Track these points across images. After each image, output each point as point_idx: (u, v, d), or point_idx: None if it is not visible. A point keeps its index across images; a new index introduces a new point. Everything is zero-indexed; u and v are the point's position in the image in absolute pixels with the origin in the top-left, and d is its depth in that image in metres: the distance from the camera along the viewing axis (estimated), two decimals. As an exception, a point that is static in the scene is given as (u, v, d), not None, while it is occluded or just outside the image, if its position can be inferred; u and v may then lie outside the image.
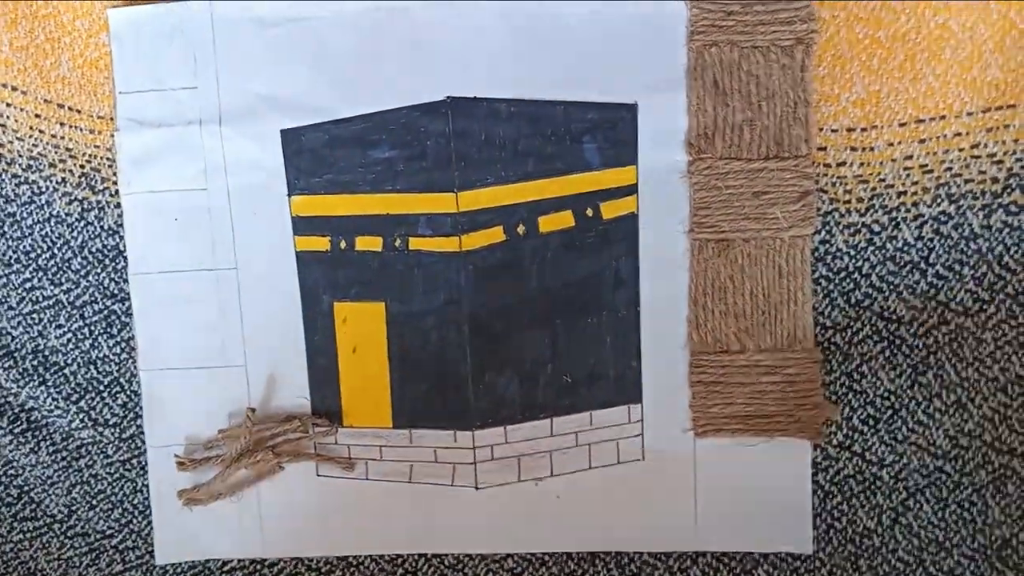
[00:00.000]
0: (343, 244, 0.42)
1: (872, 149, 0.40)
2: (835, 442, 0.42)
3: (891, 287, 0.41)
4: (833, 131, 0.41)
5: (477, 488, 0.43)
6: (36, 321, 0.45)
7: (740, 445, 0.42)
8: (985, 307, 0.41)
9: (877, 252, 0.41)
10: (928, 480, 0.42)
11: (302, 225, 0.42)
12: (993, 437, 0.41)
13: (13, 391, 0.46)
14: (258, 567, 0.45)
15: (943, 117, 0.40)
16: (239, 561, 0.45)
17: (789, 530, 0.42)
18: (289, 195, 0.42)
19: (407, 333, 0.43)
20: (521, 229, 0.42)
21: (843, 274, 0.41)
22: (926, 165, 0.40)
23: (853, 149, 0.41)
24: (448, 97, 0.41)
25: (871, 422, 0.42)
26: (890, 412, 0.42)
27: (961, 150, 0.40)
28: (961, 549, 0.42)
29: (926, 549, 0.42)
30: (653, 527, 0.43)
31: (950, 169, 0.40)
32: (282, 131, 0.42)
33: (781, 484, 0.42)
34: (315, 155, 0.42)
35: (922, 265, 0.41)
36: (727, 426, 0.42)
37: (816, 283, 0.41)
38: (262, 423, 0.43)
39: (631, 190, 0.41)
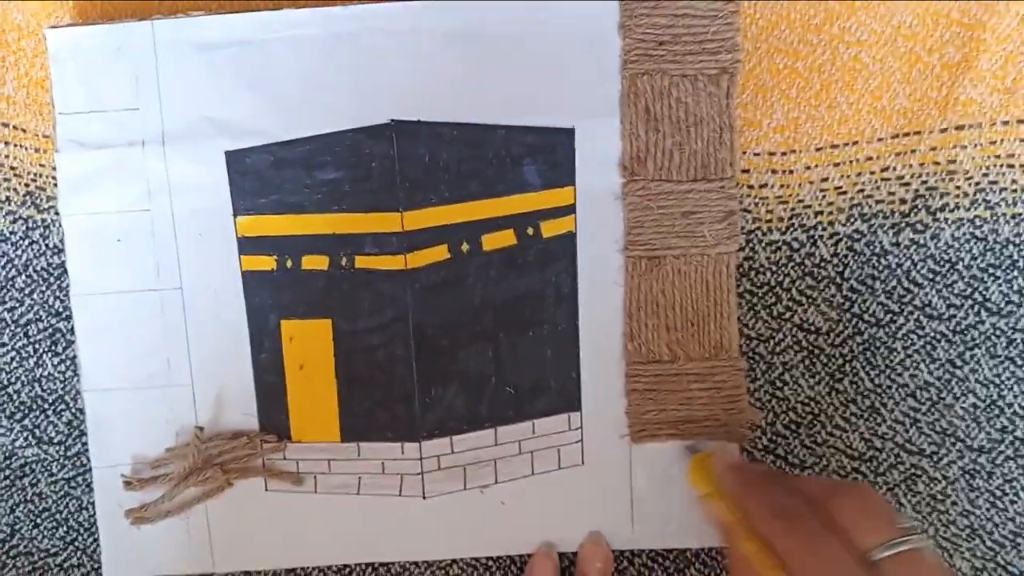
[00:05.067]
0: (289, 263, 0.43)
1: (791, 172, 0.43)
2: (760, 445, 0.45)
3: (810, 300, 0.44)
4: (756, 155, 0.43)
5: (425, 497, 0.44)
6: (-24, 342, 0.44)
7: (672, 449, 0.43)
8: (895, 318, 0.44)
9: (796, 268, 0.44)
10: (846, 479, 0.45)
11: (248, 245, 0.43)
12: (904, 439, 0.44)
13: (-47, 413, 0.45)
14: (208, 581, 0.45)
15: (856, 142, 0.43)
16: (189, 576, 0.45)
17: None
18: (234, 216, 0.42)
19: (354, 349, 0.43)
20: (465, 247, 0.42)
21: (765, 288, 0.44)
22: (840, 187, 0.43)
23: (774, 172, 0.43)
24: (392, 120, 0.41)
25: (793, 427, 0.45)
26: (810, 417, 0.45)
27: (872, 173, 0.43)
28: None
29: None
30: (592, 527, 0.44)
31: (862, 191, 0.43)
32: (227, 152, 0.42)
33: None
34: (260, 176, 0.42)
35: (838, 280, 0.44)
36: (660, 431, 0.43)
37: (741, 297, 0.44)
38: (210, 441, 0.43)
39: (569, 210, 0.42)
